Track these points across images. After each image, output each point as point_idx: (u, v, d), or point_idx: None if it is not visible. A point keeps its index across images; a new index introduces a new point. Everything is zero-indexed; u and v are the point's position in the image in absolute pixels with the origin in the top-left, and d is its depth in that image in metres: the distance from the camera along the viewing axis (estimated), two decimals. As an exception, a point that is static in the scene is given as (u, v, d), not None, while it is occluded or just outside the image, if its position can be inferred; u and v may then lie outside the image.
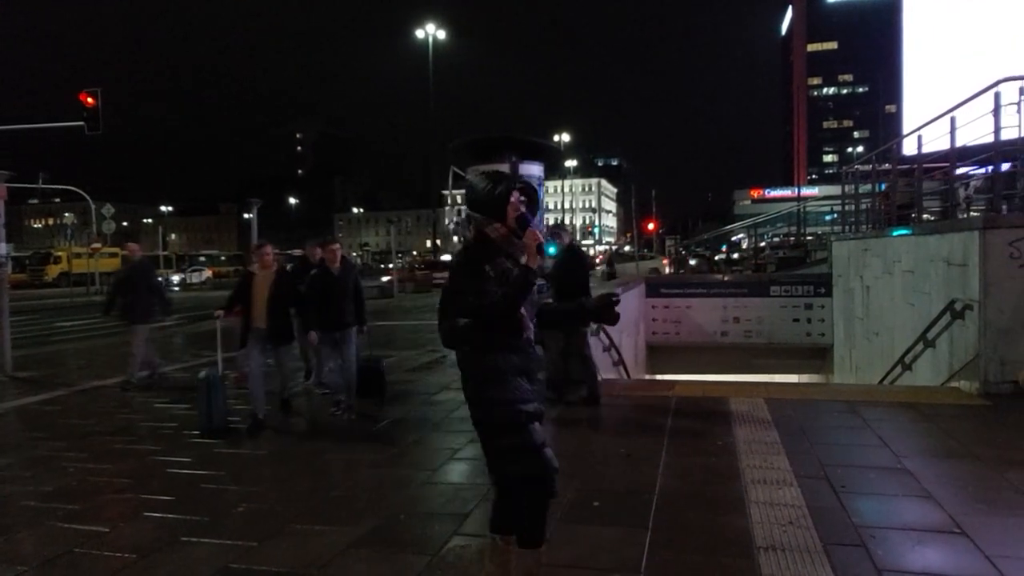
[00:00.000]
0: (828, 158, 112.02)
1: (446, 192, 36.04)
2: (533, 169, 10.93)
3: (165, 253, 56.23)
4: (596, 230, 71.97)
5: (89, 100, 18.32)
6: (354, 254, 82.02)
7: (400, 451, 5.35)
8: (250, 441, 5.78)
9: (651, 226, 47.79)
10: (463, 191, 13.72)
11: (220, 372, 6.24)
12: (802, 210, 27.28)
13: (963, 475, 4.46)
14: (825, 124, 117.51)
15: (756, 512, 3.82)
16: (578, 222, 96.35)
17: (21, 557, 3.55)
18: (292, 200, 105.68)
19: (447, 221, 41.26)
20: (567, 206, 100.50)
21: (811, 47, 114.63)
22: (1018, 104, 6.89)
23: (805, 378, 14.01)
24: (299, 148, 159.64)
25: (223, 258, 62.22)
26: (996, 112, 6.99)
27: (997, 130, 7.00)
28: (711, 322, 14.30)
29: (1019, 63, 10.36)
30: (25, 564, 3.46)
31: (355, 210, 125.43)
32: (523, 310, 2.68)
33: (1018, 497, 3.99)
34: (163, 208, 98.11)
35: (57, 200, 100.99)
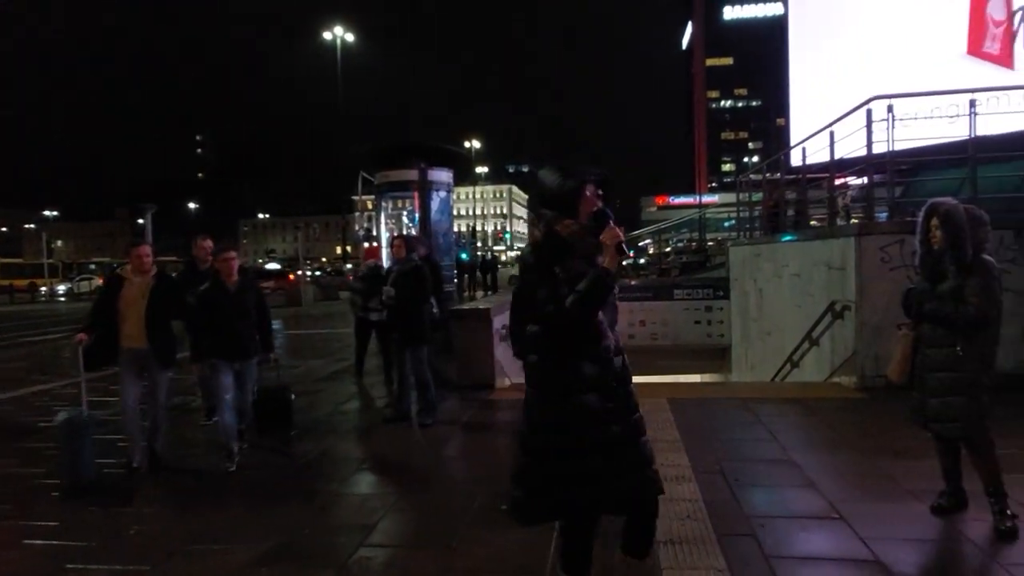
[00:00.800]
0: (726, 167, 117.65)
1: (356, 198, 35.37)
2: (442, 176, 10.95)
3: (50, 261, 52.36)
4: (507, 236, 72.58)
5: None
6: (259, 260, 79.09)
7: (306, 463, 5.21)
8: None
9: (561, 232, 48.56)
10: (371, 196, 13.50)
11: (86, 412, 5.00)
12: (702, 217, 28.54)
13: (842, 464, 4.82)
14: (723, 135, 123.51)
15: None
16: (490, 228, 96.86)
17: None
18: (192, 205, 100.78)
19: (356, 227, 40.53)
20: (478, 212, 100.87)
21: (710, 62, 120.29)
22: (887, 120, 7.49)
23: (707, 377, 14.66)
24: (199, 151, 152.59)
25: (116, 266, 58.59)
26: (868, 127, 7.59)
27: (869, 144, 7.60)
28: (619, 326, 14.70)
29: (892, 81, 11.25)
30: None
31: (261, 215, 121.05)
32: (601, 316, 2.44)
33: (889, 483, 4.35)
34: (47, 213, 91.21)
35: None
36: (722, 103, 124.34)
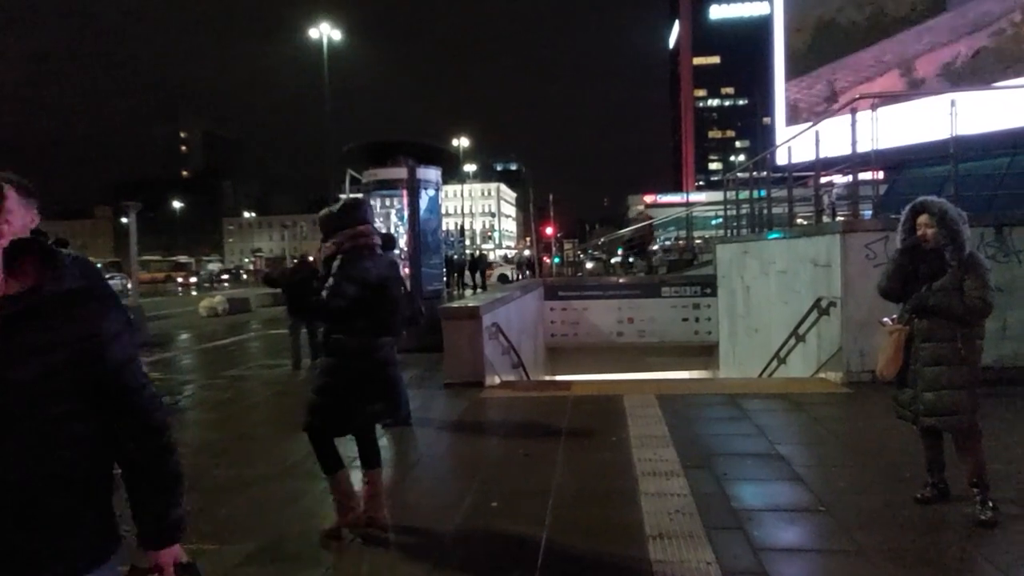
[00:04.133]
0: (714, 166, 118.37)
1: (342, 196, 35.17)
2: (431, 174, 10.96)
3: (31, 260, 51.63)
4: (496, 234, 72.61)
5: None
6: (246, 259, 78.55)
7: (294, 462, 5.20)
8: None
9: (549, 230, 48.63)
10: (359, 195, 13.47)
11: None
12: (690, 215, 28.68)
13: (828, 458, 4.88)
14: (710, 134, 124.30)
15: (647, 503, 4.01)
16: (477, 226, 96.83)
17: None
18: (176, 204, 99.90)
19: (344, 226, 40.35)
20: (466, 211, 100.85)
21: (696, 60, 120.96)
22: (871, 120, 7.58)
23: (695, 374, 14.74)
24: (183, 148, 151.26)
25: (99, 265, 58.00)
26: (853, 126, 7.67)
27: (854, 143, 7.69)
28: (607, 323, 14.77)
29: (877, 81, 11.41)
30: None
31: (246, 214, 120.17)
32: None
33: (873, 476, 4.41)
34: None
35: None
36: (709, 102, 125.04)
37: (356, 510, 3.65)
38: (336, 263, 3.46)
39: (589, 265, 28.78)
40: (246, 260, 76.87)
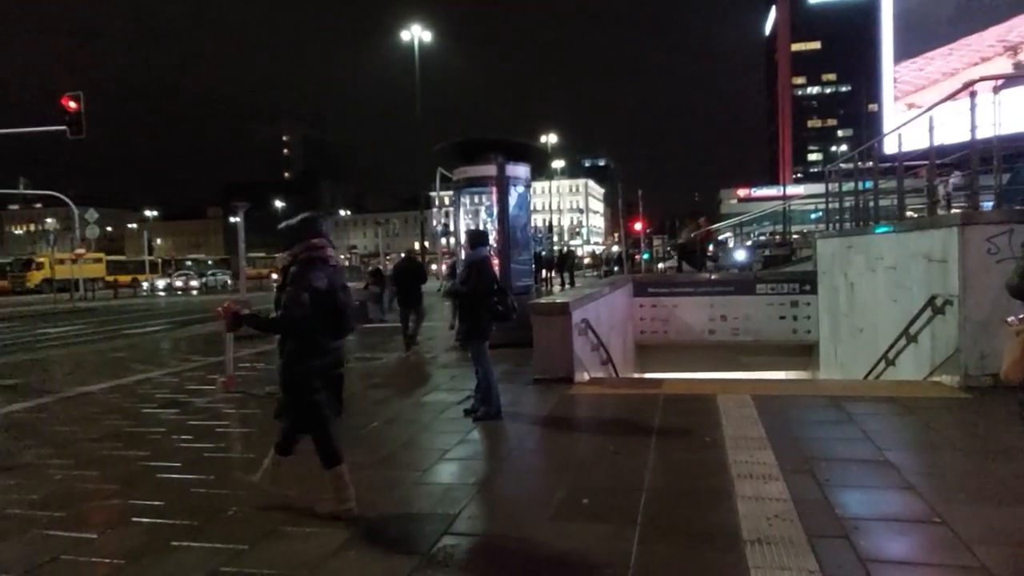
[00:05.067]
0: (813, 157, 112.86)
1: (433, 194, 35.97)
2: (520, 171, 11.01)
3: (151, 258, 55.88)
4: (584, 231, 72.20)
5: (71, 104, 18.20)
6: (341, 256, 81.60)
7: (390, 452, 5.36)
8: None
9: (638, 226, 47.87)
10: (450, 192, 13.63)
11: None
12: (787, 209, 27.50)
13: (944, 466, 4.55)
14: (810, 123, 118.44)
15: (743, 506, 3.88)
16: (565, 223, 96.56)
17: (6, 564, 3.53)
18: (279, 203, 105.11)
19: (434, 222, 41.25)
20: (554, 207, 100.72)
21: (795, 47, 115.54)
22: (993, 103, 7.00)
23: (792, 375, 14.13)
24: (285, 151, 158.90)
25: (210, 262, 61.92)
26: (972, 111, 7.10)
27: (973, 128, 7.11)
28: (698, 321, 14.39)
29: (995, 62, 10.52)
30: (10, 572, 3.44)
31: (342, 213, 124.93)
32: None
33: (998, 486, 4.07)
34: (148, 212, 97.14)
35: (39, 205, 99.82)
36: (808, 89, 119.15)
37: (351, 500, 3.95)
38: (292, 272, 3.85)
39: (661, 265, 28.07)
40: (342, 257, 79.86)
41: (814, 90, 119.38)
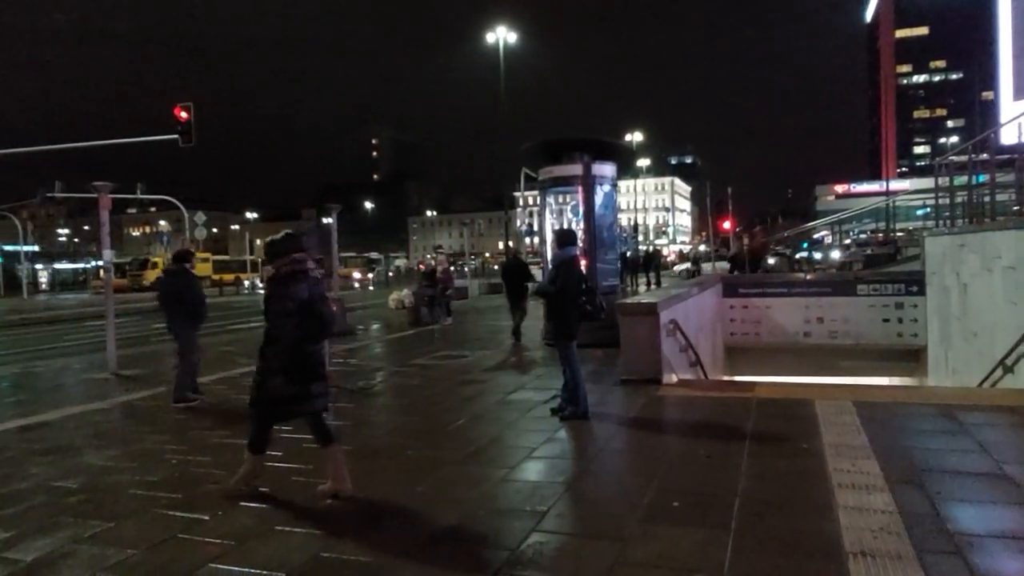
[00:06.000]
0: (919, 150, 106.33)
1: (517, 194, 36.20)
2: (606, 169, 10.92)
3: (252, 258, 59.02)
4: (670, 230, 70.75)
5: (183, 115, 19.43)
6: (427, 256, 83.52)
7: (477, 449, 5.44)
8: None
9: (727, 225, 46.46)
10: (535, 192, 13.68)
11: None
12: (891, 205, 25.97)
13: (1074, 484, 4.18)
14: (916, 114, 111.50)
15: (845, 517, 3.71)
16: (651, 222, 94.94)
17: (130, 541, 3.82)
18: (368, 204, 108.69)
19: (519, 222, 41.50)
20: (640, 206, 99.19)
21: (899, 33, 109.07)
22: None
23: (896, 380, 13.34)
24: (374, 154, 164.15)
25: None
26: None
27: (1111, 114, 6.50)
28: (793, 322, 13.83)
29: None
30: (134, 548, 3.73)
31: (429, 213, 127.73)
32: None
33: None
34: (248, 215, 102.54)
35: (153, 209, 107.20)
36: (914, 78, 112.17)
37: (346, 481, 4.33)
38: (274, 283, 4.31)
39: (771, 261, 27.02)
40: (427, 256, 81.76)
41: (920, 78, 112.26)
